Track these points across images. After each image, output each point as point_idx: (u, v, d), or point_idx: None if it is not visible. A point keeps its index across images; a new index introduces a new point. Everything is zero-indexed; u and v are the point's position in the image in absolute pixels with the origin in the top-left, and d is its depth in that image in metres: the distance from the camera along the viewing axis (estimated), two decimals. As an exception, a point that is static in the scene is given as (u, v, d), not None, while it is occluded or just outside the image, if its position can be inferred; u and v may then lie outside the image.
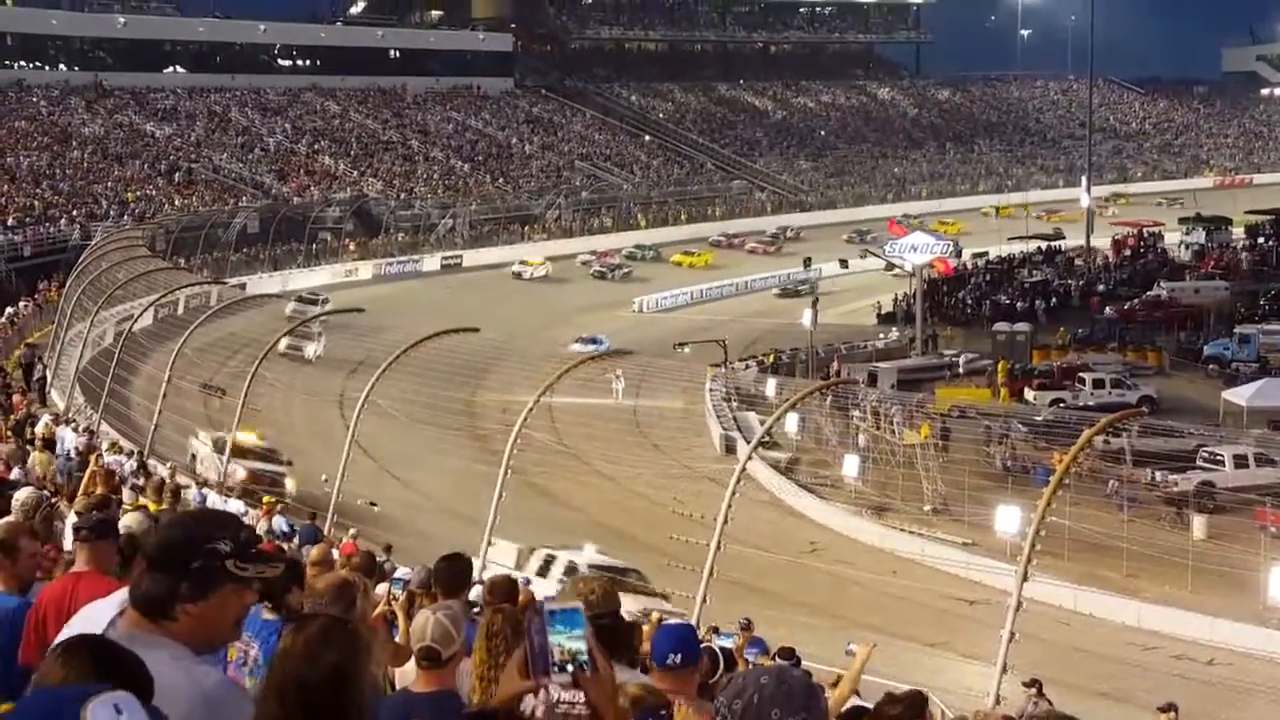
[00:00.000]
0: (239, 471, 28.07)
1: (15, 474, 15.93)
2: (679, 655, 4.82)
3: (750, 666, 10.17)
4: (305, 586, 7.09)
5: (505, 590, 7.68)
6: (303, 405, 39.61)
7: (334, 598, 5.76)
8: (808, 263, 79.26)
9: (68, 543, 7.85)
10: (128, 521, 9.07)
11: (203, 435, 31.44)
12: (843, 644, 10.54)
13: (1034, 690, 17.80)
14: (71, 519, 9.46)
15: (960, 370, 54.62)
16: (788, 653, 12.63)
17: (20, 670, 4.67)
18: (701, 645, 5.55)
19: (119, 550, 6.14)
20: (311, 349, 42.93)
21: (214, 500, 22.74)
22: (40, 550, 6.47)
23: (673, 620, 11.92)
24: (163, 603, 3.24)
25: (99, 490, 14.06)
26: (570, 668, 3.27)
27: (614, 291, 74.12)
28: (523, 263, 77.19)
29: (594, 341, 55.55)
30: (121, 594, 3.46)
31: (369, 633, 5.02)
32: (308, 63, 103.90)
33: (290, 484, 30.03)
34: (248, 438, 29.86)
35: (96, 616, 3.43)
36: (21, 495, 7.84)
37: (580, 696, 3.40)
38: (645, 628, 11.86)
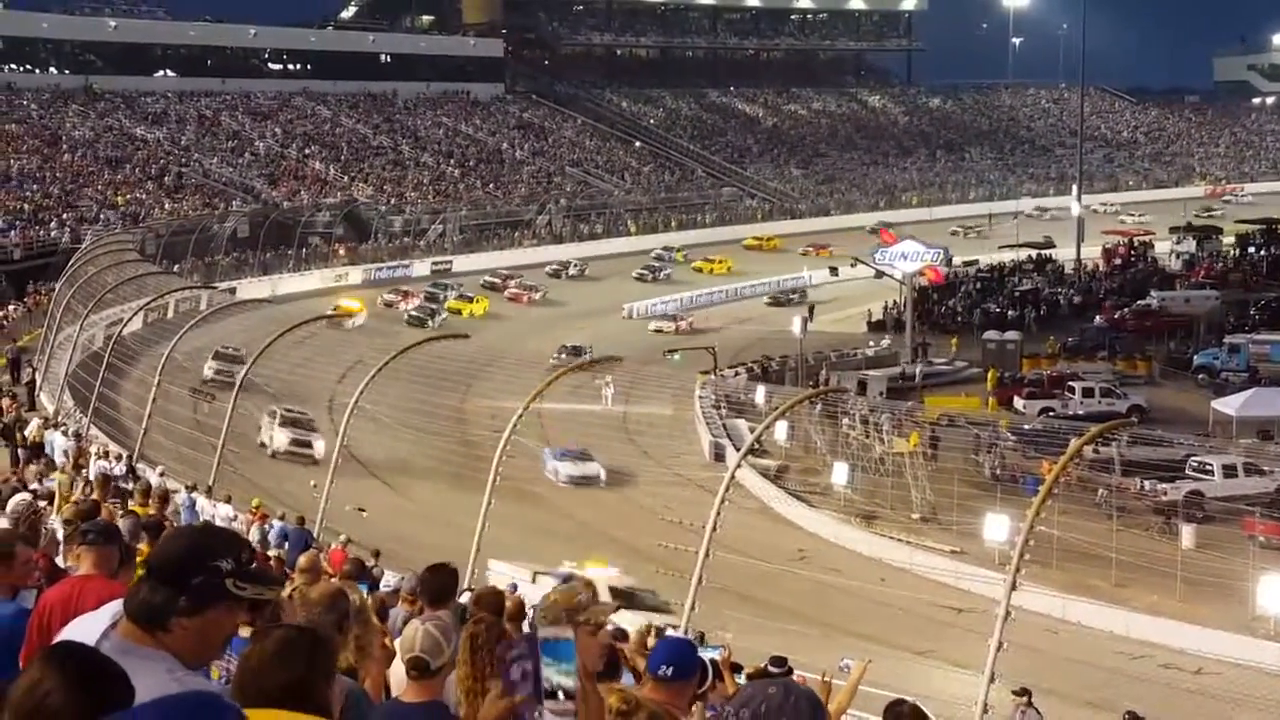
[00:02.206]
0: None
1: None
2: (670, 668, 4.84)
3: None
4: (296, 596, 7.08)
5: (492, 602, 7.67)
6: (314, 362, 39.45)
7: (328, 608, 5.74)
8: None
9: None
10: (119, 527, 9.04)
11: (501, 566, 23.96)
12: (832, 652, 10.56)
13: (1024, 699, 17.78)
14: (56, 524, 9.44)
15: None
16: (779, 661, 12.61)
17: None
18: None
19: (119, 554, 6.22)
20: (320, 445, 36.20)
21: (202, 505, 22.67)
22: (33, 557, 6.48)
23: (673, 633, 11.93)
24: (159, 614, 3.24)
25: (95, 494, 14.05)
26: (561, 695, 3.37)
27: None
28: (337, 308, 58.40)
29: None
30: (113, 605, 3.47)
31: (337, 642, 5.01)
32: (298, 67, 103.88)
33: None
34: (607, 574, 23.91)
35: (89, 626, 3.44)
36: (13, 501, 7.83)
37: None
38: (632, 638, 11.86)
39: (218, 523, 21.17)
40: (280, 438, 36.85)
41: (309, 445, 36.82)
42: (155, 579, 3.28)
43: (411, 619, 6.03)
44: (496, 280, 75.05)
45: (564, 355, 53.53)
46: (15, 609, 5.42)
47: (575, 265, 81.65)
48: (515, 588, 16.26)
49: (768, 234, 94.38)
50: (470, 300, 68.68)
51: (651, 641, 13.24)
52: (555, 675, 3.40)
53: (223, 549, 3.32)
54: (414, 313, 65.51)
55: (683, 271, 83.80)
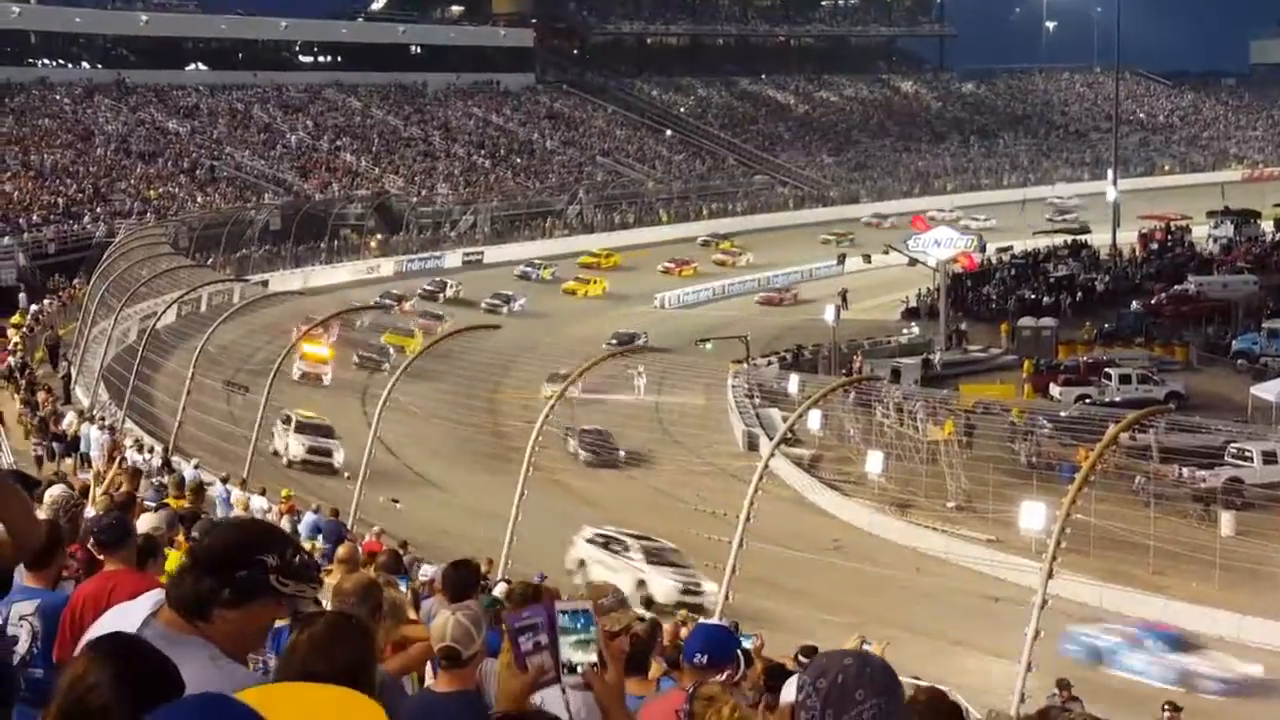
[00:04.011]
0: None
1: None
2: (705, 655, 4.84)
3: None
4: (334, 588, 7.07)
5: (524, 596, 7.66)
6: (324, 401, 39.67)
7: (361, 598, 5.74)
8: (842, 259, 79.62)
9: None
10: (153, 520, 9.06)
11: None
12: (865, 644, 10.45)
13: (1065, 692, 17.63)
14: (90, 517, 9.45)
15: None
16: (810, 651, 12.52)
17: (56, 666, 4.70)
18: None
19: (137, 549, 6.22)
20: None
21: (237, 497, 22.77)
22: (69, 549, 6.51)
23: (710, 620, 11.88)
24: (203, 604, 3.26)
25: (125, 488, 14.07)
26: (581, 669, 3.40)
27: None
28: (304, 358, 41.52)
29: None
30: (153, 594, 3.49)
31: (378, 629, 5.03)
32: (329, 59, 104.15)
33: None
34: None
35: (128, 615, 3.45)
36: (54, 493, 7.85)
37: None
38: (667, 629, 11.81)
39: (252, 514, 21.25)
40: None
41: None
42: (201, 569, 3.30)
43: (442, 609, 6.01)
44: (389, 302, 62.82)
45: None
46: (65, 598, 5.46)
47: (453, 286, 69.53)
48: (543, 577, 16.26)
49: (605, 249, 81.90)
50: (411, 335, 53.97)
51: (685, 631, 13.18)
52: (573, 651, 3.37)
53: (270, 544, 3.34)
54: (365, 353, 50.05)
55: (547, 295, 70.48)
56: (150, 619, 3.34)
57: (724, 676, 4.87)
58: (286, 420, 33.69)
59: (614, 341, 54.42)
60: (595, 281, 75.28)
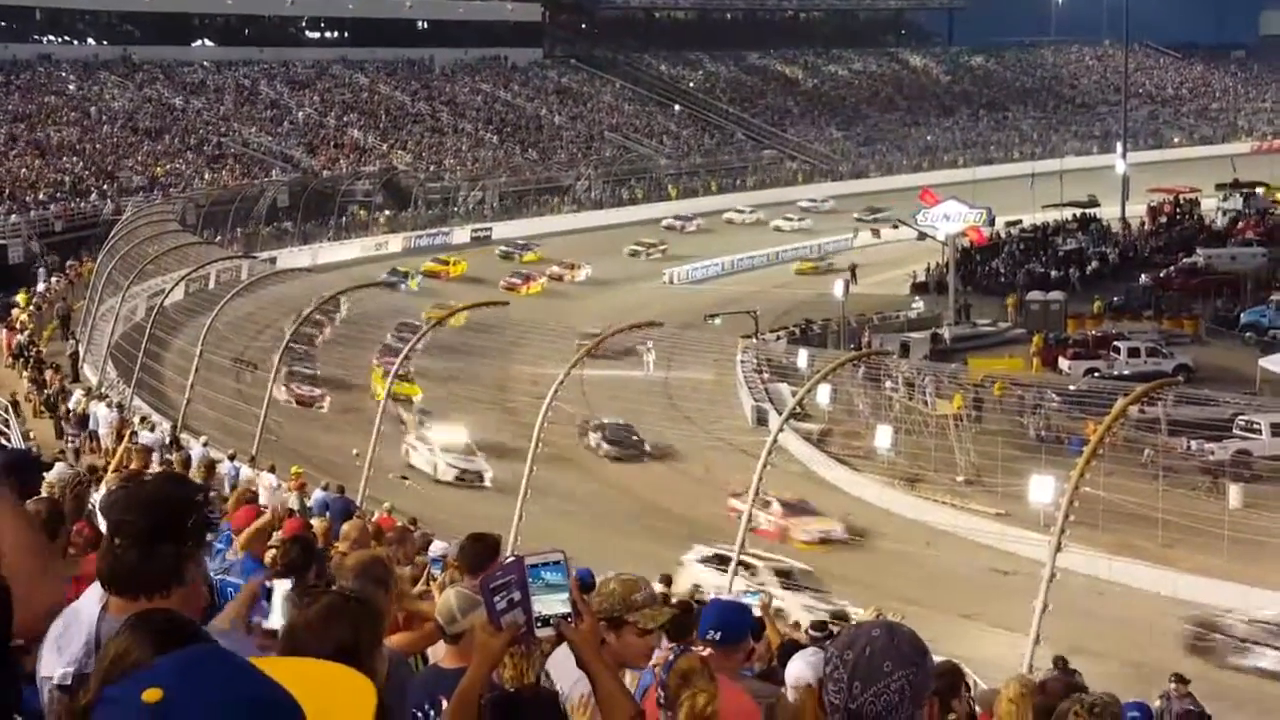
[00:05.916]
0: None
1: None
2: (719, 632, 4.85)
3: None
4: (334, 563, 7.09)
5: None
6: (333, 378, 39.71)
7: (359, 574, 5.74)
8: (856, 233, 79.48)
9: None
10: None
11: None
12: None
13: (1059, 667, 17.57)
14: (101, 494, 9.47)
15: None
16: (821, 626, 12.54)
17: None
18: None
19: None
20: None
21: (246, 474, 22.78)
22: (76, 527, 6.52)
23: (725, 596, 11.89)
24: (178, 570, 3.24)
25: (133, 466, 14.11)
26: (553, 621, 3.40)
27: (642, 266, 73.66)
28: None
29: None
30: (92, 591, 3.45)
31: (383, 607, 5.03)
32: (336, 35, 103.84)
33: None
34: None
35: (81, 616, 3.43)
36: (55, 471, 7.85)
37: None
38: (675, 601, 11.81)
39: (261, 491, 21.26)
40: None
41: None
42: (155, 540, 3.25)
43: (447, 587, 6.02)
44: (394, 279, 59.17)
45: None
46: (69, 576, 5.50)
47: (345, 305, 58.59)
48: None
49: (454, 258, 71.48)
50: (407, 380, 39.95)
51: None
52: (547, 605, 3.38)
53: (191, 486, 3.35)
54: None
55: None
56: (104, 614, 3.30)
57: (708, 652, 4.85)
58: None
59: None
60: (457, 263, 68.08)
